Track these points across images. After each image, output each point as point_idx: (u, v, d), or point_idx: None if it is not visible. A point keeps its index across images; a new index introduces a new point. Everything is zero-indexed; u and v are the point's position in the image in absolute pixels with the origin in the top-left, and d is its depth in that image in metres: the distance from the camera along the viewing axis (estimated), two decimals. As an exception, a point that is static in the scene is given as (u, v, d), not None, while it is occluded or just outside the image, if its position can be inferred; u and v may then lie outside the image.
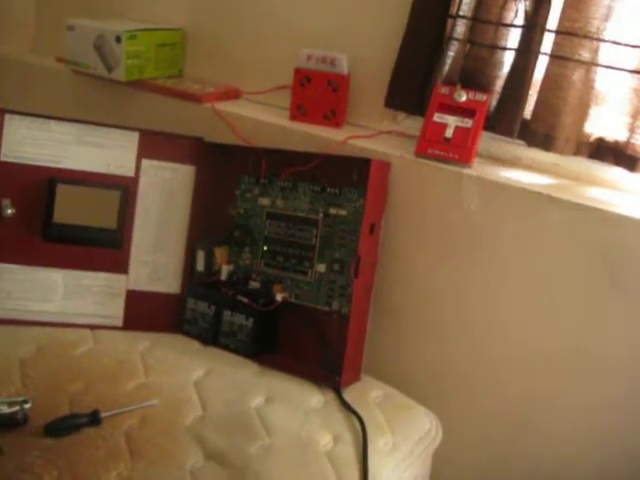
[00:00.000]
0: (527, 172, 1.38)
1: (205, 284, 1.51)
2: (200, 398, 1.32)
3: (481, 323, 1.41)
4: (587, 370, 1.32)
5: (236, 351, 1.45)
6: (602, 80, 1.28)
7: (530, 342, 1.36)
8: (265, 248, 1.47)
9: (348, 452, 1.24)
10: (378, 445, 1.27)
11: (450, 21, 1.38)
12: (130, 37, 1.59)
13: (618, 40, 1.25)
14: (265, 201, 1.47)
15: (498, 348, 1.41)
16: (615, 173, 1.32)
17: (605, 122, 1.30)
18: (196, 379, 1.37)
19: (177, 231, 1.52)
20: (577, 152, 1.32)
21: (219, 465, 1.20)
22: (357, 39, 1.51)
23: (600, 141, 1.31)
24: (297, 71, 1.53)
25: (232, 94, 1.65)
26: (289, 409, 1.32)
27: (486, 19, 1.34)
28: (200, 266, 1.51)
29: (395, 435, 1.30)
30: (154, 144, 1.49)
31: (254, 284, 1.47)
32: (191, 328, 1.51)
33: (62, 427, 1.22)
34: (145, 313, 1.51)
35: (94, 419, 1.23)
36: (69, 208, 1.46)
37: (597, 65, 1.28)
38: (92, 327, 1.48)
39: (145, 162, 1.49)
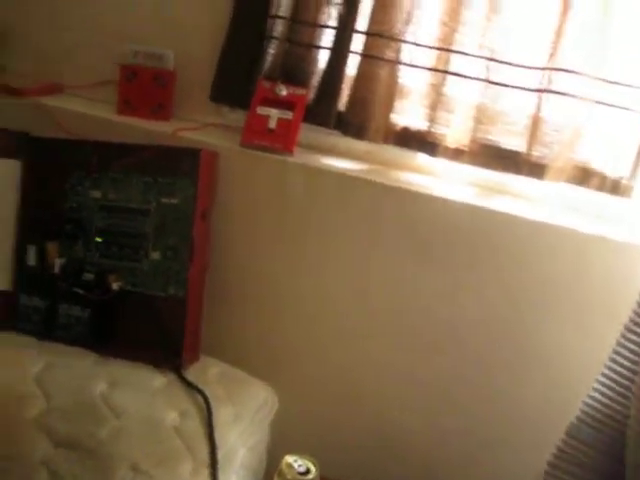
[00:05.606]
0: (343, 159, 1.52)
1: (39, 279, 1.51)
2: (43, 391, 1.34)
3: (310, 298, 1.54)
4: (401, 334, 1.49)
5: (74, 343, 1.48)
6: (405, 77, 1.45)
7: (353, 313, 1.51)
8: (98, 239, 1.50)
9: (195, 425, 1.32)
10: (221, 416, 1.35)
11: (270, 21, 1.48)
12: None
13: (418, 42, 1.43)
14: (97, 194, 1.49)
15: (324, 321, 1.54)
16: (420, 158, 1.50)
17: (409, 113, 1.47)
18: (36, 373, 1.38)
19: (5, 227, 1.51)
20: (386, 140, 1.48)
21: (70, 451, 1.24)
22: (183, 35, 1.57)
23: (405, 130, 1.48)
24: (123, 67, 1.57)
25: (54, 89, 1.65)
26: (133, 392, 1.37)
27: (303, 20, 1.46)
28: (31, 261, 1.51)
29: (236, 406, 1.40)
30: (-24, 139, 1.47)
31: (88, 275, 1.49)
32: (24, 324, 1.51)
33: None
34: (-26, 312, 1.49)
35: None
36: None
37: (400, 63, 1.44)
38: None
39: (-32, 158, 1.47)
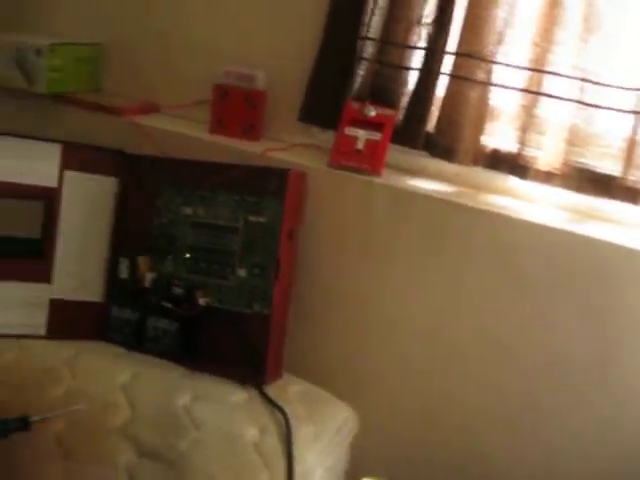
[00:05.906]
0: (432, 181, 1.50)
1: (130, 292, 1.56)
2: (128, 400, 1.38)
3: (396, 320, 1.51)
4: (491, 359, 1.44)
5: (162, 355, 1.51)
6: (496, 98, 1.43)
7: (440, 336, 1.48)
8: (187, 255, 1.53)
9: (274, 442, 1.33)
10: (301, 435, 1.35)
11: (360, 42, 1.49)
12: (50, 51, 1.63)
13: (509, 62, 1.40)
14: (188, 210, 1.53)
15: (411, 345, 1.51)
16: (511, 181, 1.46)
17: (499, 135, 1.44)
18: (123, 383, 1.42)
19: (100, 240, 1.57)
20: (475, 162, 1.45)
21: (153, 461, 1.28)
22: (274, 57, 1.59)
23: (495, 152, 1.45)
24: (216, 87, 1.61)
25: (151, 108, 1.71)
26: (215, 405, 1.39)
27: (393, 41, 1.46)
28: (124, 274, 1.56)
29: (316, 425, 1.40)
30: (77, 156, 1.54)
31: (177, 290, 1.53)
32: (115, 335, 1.56)
33: (-9, 432, 1.25)
34: (69, 321, 1.55)
35: (23, 424, 1.26)
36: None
37: (491, 84, 1.42)
38: (16, 336, 1.50)
39: (68, 173, 1.54)
